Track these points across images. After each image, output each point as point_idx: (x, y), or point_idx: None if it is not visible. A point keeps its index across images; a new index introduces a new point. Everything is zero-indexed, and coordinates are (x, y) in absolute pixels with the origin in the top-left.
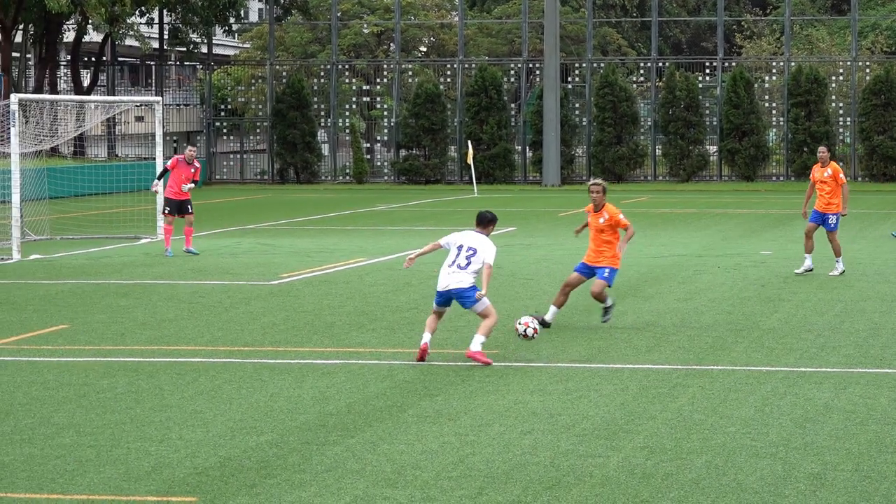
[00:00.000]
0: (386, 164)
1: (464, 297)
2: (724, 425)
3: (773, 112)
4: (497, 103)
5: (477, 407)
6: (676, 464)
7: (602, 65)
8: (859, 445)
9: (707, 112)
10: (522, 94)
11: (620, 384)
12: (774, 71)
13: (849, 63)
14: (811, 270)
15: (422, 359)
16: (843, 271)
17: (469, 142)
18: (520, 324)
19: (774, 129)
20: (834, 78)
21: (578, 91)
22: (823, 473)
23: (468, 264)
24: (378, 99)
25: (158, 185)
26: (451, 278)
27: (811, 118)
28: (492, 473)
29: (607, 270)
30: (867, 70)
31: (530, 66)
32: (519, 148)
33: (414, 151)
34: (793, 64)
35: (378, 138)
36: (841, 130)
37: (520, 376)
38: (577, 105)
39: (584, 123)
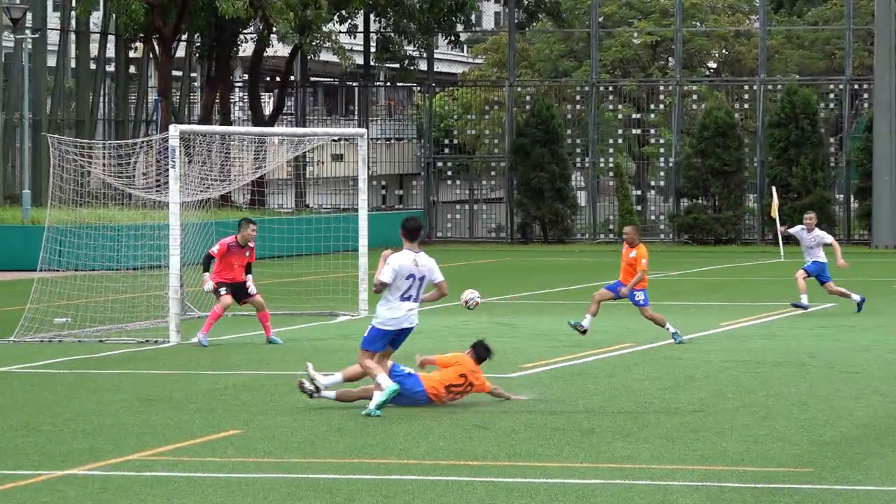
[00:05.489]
0: (663, 217)
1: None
2: None
3: None
4: (811, 137)
5: None
6: None
7: None
8: None
9: None
10: (845, 124)
11: None
12: None
13: None
14: None
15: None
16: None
17: (774, 188)
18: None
19: None
20: None
21: None
22: None
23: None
24: (652, 131)
25: (209, 281)
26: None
27: None
28: None
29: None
30: None
31: (856, 86)
32: (840, 196)
33: (700, 201)
34: None
35: (652, 183)
36: None
37: None
38: None
39: None
